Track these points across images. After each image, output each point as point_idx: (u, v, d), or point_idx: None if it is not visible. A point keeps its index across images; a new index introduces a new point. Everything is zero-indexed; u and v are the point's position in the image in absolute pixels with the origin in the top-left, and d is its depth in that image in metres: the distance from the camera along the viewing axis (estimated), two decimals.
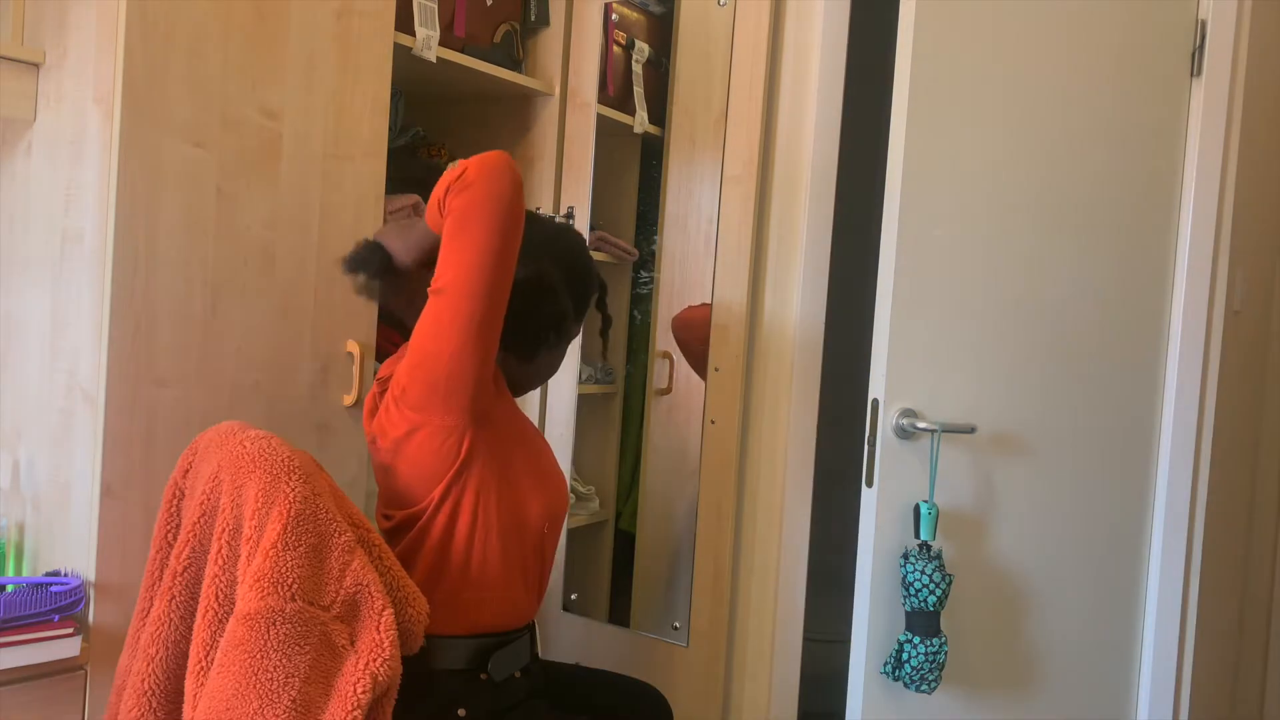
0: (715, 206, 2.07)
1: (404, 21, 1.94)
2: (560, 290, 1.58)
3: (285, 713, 1.18)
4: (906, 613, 1.75)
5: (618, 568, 2.45)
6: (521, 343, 1.56)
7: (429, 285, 1.47)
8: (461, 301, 1.37)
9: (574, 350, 2.28)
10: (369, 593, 1.27)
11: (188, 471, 1.39)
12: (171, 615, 1.31)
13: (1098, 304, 1.92)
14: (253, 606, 1.19)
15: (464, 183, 1.37)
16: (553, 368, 1.68)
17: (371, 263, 1.53)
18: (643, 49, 2.42)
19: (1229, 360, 2.04)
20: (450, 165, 1.43)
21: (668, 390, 2.29)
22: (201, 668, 1.23)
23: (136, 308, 1.54)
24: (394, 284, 1.59)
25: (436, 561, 1.46)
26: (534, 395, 2.30)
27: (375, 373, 1.66)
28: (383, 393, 1.52)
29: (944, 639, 1.73)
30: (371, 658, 1.23)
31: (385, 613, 1.27)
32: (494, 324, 1.41)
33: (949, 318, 1.83)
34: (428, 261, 1.50)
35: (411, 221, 1.60)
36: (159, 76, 1.54)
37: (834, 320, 2.06)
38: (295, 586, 1.21)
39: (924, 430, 1.78)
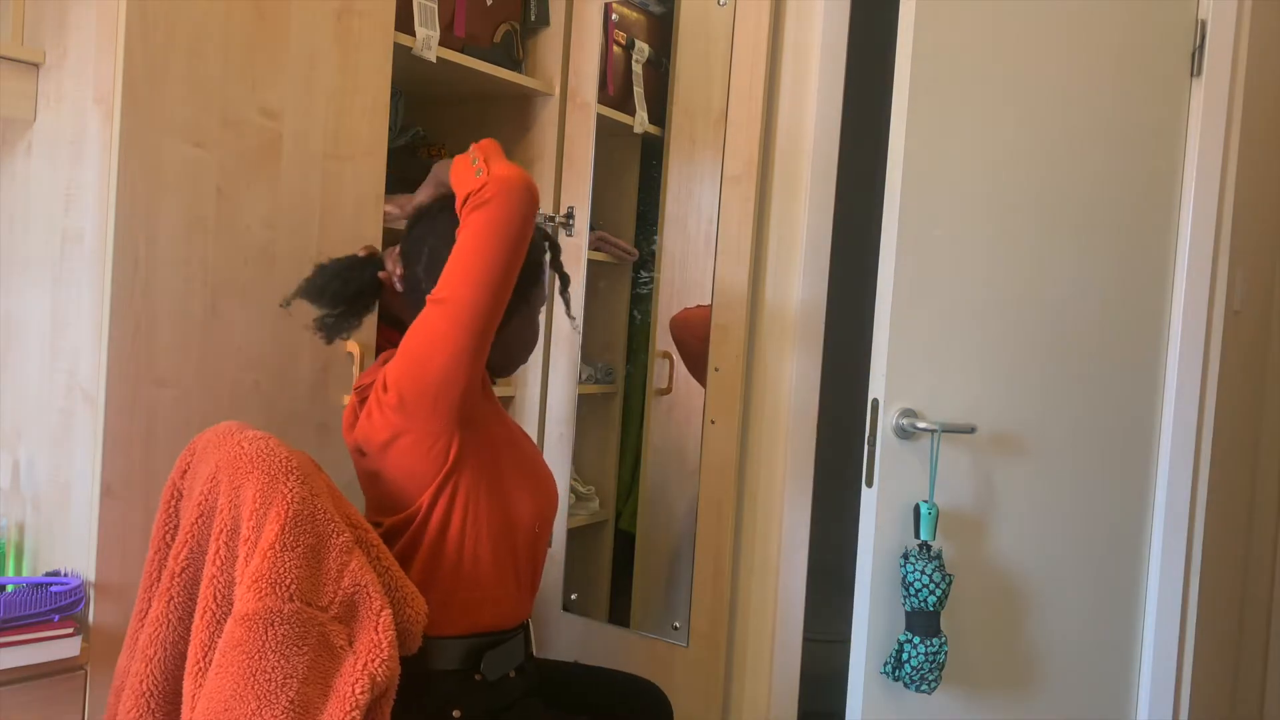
0: (715, 206, 2.07)
1: (404, 21, 1.94)
2: None
3: (283, 713, 1.18)
4: (906, 613, 1.75)
5: (618, 568, 2.45)
6: None
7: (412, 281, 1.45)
8: (461, 314, 1.38)
9: (574, 350, 2.28)
10: (367, 593, 1.27)
11: (186, 472, 1.39)
12: (170, 616, 1.31)
13: (1098, 304, 1.92)
14: (251, 607, 1.19)
15: (481, 199, 1.37)
16: (526, 343, 1.62)
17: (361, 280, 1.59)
18: (643, 49, 2.41)
19: (1229, 360, 2.04)
20: (475, 162, 1.41)
21: (668, 390, 2.29)
22: (200, 668, 1.23)
23: (136, 308, 1.54)
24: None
25: (430, 564, 1.46)
26: (534, 395, 2.30)
27: None
28: (362, 401, 1.51)
29: (944, 639, 1.73)
30: (370, 658, 1.23)
31: (383, 613, 1.27)
32: (490, 336, 1.42)
33: (949, 318, 1.82)
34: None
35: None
36: (159, 77, 1.54)
37: (834, 320, 2.06)
38: (293, 587, 1.21)
39: (924, 430, 1.77)
